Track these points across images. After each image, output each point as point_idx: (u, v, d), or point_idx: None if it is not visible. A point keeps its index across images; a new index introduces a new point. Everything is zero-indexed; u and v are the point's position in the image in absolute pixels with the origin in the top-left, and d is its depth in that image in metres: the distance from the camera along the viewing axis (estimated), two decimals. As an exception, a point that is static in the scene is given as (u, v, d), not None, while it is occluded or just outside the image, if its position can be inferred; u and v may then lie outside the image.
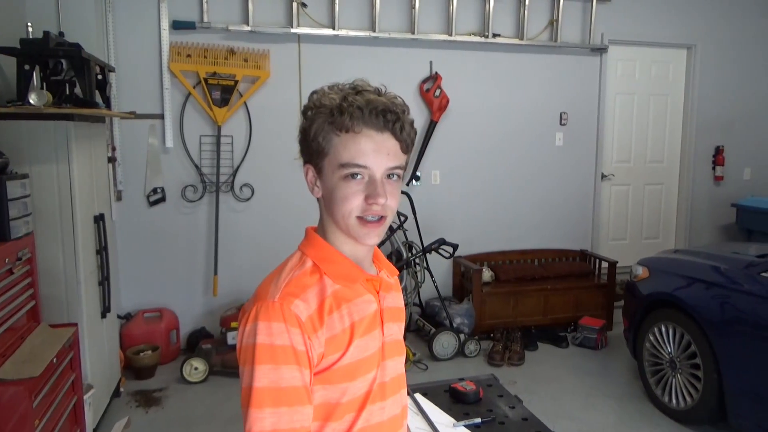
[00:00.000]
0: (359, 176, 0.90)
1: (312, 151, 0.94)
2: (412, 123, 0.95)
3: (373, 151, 0.89)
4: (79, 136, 2.71)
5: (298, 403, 0.85)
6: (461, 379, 1.85)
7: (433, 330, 3.84)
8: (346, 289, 0.93)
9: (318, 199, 0.99)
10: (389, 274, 1.06)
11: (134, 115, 3.54)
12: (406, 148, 0.94)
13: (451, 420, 1.63)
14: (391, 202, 0.92)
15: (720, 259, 3.08)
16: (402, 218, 4.00)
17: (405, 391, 1.06)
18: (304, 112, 0.95)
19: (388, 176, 0.92)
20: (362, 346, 0.93)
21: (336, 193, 0.91)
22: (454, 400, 1.76)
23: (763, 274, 2.73)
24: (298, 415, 0.85)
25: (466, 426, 1.59)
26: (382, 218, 0.92)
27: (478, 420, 1.62)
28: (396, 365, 1.01)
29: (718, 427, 2.92)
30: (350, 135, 0.89)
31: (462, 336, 3.84)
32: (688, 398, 2.98)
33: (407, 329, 4.17)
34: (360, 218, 0.91)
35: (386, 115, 0.90)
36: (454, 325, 3.90)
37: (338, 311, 0.91)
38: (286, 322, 0.84)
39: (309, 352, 0.86)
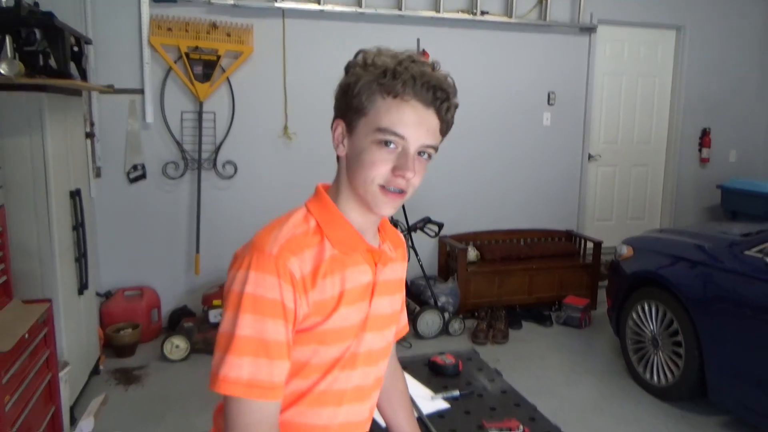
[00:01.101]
0: (393, 145, 0.86)
1: (350, 107, 0.89)
2: (456, 107, 0.92)
3: (415, 124, 0.86)
4: (53, 108, 2.63)
5: (279, 357, 0.84)
6: (441, 353, 1.83)
7: (418, 308, 3.83)
8: (344, 256, 0.91)
9: (339, 157, 0.94)
10: (392, 247, 1.03)
11: (112, 90, 3.45)
12: (444, 130, 0.92)
13: (430, 392, 1.61)
14: (415, 180, 0.89)
15: (704, 238, 3.08)
16: (387, 197, 3.95)
17: (383, 364, 1.04)
18: (347, 68, 0.91)
19: (420, 153, 0.89)
20: (345, 315, 0.91)
21: (364, 156, 0.88)
22: (433, 373, 1.74)
23: (747, 253, 2.73)
24: (277, 369, 0.84)
25: (444, 398, 1.58)
26: (402, 192, 0.89)
27: (457, 393, 1.60)
28: (375, 338, 0.98)
29: (697, 403, 2.94)
30: (396, 101, 0.86)
31: (446, 314, 3.83)
32: (669, 375, 3.00)
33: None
34: (382, 187, 0.88)
35: (437, 92, 0.87)
36: (439, 303, 3.89)
37: (332, 277, 0.89)
38: (280, 277, 0.83)
39: (296, 310, 0.85)
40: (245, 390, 0.81)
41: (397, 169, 0.87)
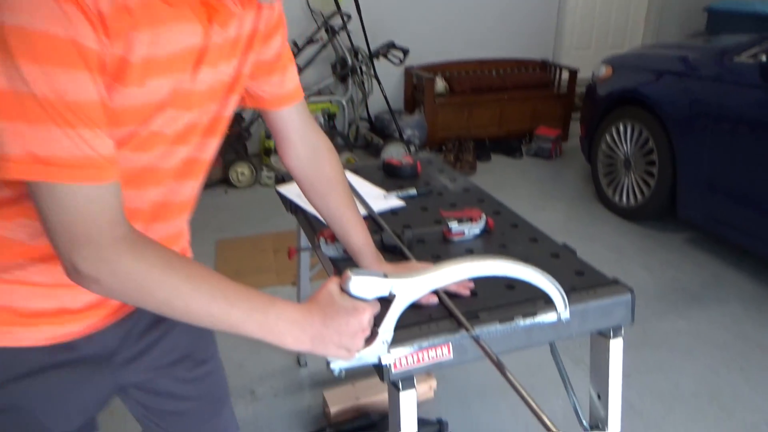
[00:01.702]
0: None
1: None
2: None
3: None
4: None
5: (98, 123, 0.56)
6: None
7: (382, 142, 3.61)
8: (165, 6, 0.60)
9: None
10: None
11: None
12: None
13: (382, 192, 1.42)
14: None
15: (691, 49, 2.84)
16: (346, 17, 3.52)
17: (209, 141, 0.76)
18: None
19: None
20: (154, 89, 0.62)
21: None
22: (387, 175, 1.54)
23: (737, 60, 2.50)
24: (100, 139, 0.57)
25: (399, 197, 1.39)
26: None
27: (414, 191, 1.42)
28: (200, 115, 0.71)
29: (665, 222, 2.90)
30: None
31: (412, 147, 3.62)
32: (639, 196, 2.92)
33: (354, 143, 3.92)
34: None
35: None
36: (404, 137, 3.67)
37: (140, 32, 0.58)
38: (62, 1, 0.52)
39: (104, 55, 0.56)
40: (68, 173, 0.56)
41: None
